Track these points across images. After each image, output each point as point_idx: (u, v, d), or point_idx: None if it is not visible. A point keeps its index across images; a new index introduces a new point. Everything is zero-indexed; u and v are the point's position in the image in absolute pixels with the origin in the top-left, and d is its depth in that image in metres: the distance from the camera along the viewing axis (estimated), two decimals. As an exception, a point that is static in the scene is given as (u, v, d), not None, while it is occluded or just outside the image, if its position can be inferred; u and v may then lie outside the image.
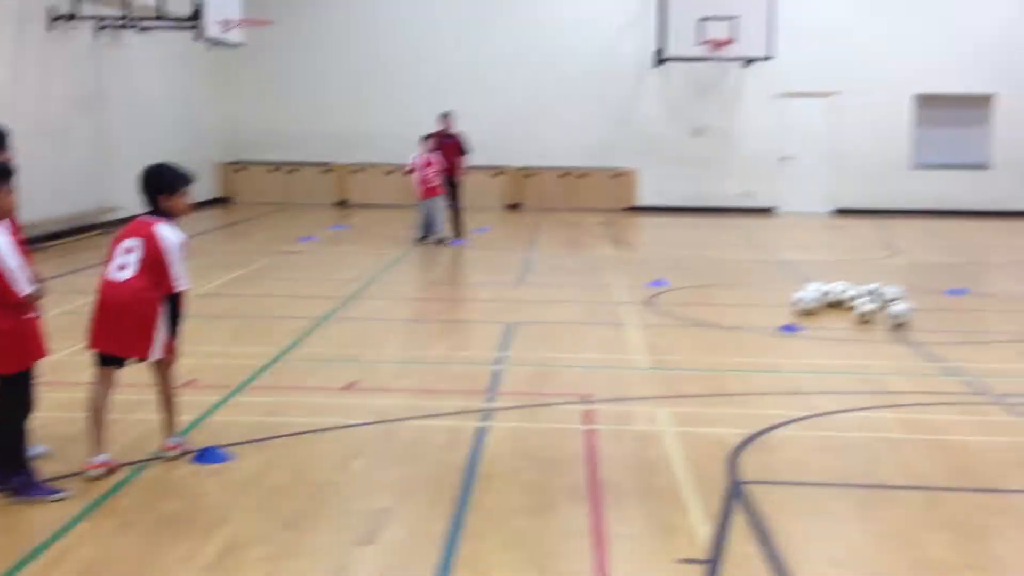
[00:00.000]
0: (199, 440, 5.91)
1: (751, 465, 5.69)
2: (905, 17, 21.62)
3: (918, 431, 6.41)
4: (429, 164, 15.68)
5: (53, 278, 9.66)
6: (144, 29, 17.17)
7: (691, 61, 20.79)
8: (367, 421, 6.50)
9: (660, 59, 20.87)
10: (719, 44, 20.15)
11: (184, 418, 5.96)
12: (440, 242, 15.67)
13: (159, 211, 5.57)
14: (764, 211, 22.09)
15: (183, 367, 6.11)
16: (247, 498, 5.18)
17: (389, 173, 21.29)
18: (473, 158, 17.05)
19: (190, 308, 5.87)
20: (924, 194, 21.93)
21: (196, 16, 16.50)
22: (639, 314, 10.34)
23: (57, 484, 5.17)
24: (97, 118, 16.92)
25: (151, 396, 5.76)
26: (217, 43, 17.55)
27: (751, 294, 11.86)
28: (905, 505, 5.16)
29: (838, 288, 10.56)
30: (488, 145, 20.81)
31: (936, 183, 22.01)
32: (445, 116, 16.41)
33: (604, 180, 22.30)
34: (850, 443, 6.18)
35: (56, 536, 4.65)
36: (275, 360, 8.09)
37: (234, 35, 17.78)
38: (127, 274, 5.44)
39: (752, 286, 12.42)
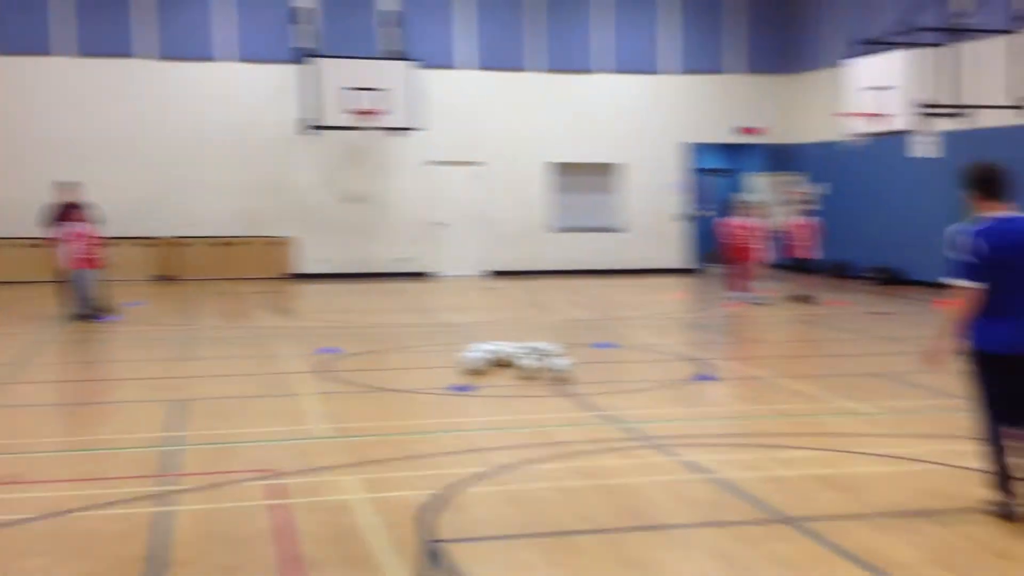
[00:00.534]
0: None
1: (443, 524, 5.88)
2: (540, 94, 23.41)
3: (589, 477, 6.90)
4: (79, 236, 14.81)
5: None
6: None
7: (342, 130, 21.14)
8: (35, 516, 6.02)
9: (311, 127, 21.05)
10: (367, 113, 20.64)
11: None
12: (92, 317, 14.77)
13: None
14: (423, 275, 22.78)
15: None
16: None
17: (32, 246, 19.74)
18: (121, 229, 16.33)
19: None
20: (564, 255, 23.67)
21: None
22: (314, 383, 10.33)
23: None
24: None
25: None
26: None
27: (420, 357, 12.20)
28: (588, 550, 5.54)
29: (502, 347, 11.13)
30: (136, 216, 20.00)
31: (574, 245, 23.83)
32: (68, 186, 15.56)
33: (260, 248, 22.05)
34: (531, 495, 6.54)
35: None
36: (-86, 458, 7.28)
37: None
38: None
39: (420, 349, 12.78)
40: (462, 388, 9.90)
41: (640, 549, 5.55)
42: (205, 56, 21.81)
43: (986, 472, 5.97)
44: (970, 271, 5.71)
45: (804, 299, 17.67)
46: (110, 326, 14.54)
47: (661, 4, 23.89)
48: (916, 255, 20.11)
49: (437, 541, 5.56)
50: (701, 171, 25.22)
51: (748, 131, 24.55)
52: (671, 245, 24.28)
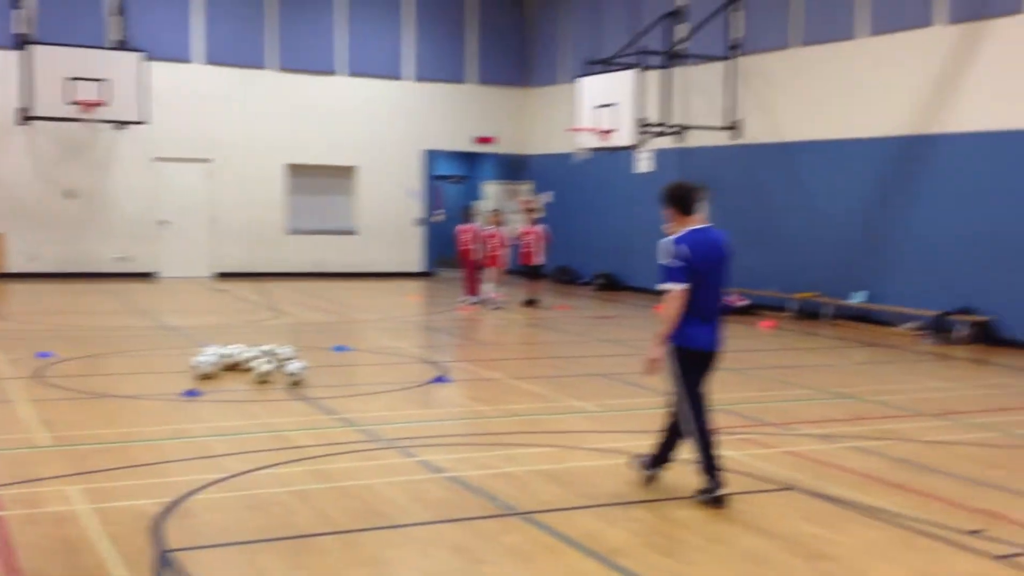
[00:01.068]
0: None
1: (176, 533, 5.71)
2: (278, 93, 23.00)
3: (327, 480, 6.90)
4: None
5: None
6: None
7: (60, 121, 19.87)
8: None
9: (25, 117, 19.65)
10: (89, 105, 19.52)
11: None
12: None
13: None
14: (145, 276, 21.79)
15: None
16: None
17: None
18: None
19: None
20: (299, 257, 23.37)
21: None
22: (27, 389, 9.70)
23: None
24: None
25: None
26: None
27: (145, 361, 11.70)
28: (327, 551, 5.56)
29: (234, 350, 10.88)
30: None
31: (310, 247, 23.57)
32: None
33: (-37, 245, 20.36)
34: (267, 499, 6.46)
35: None
36: None
37: None
38: None
39: (144, 353, 12.25)
40: (192, 393, 9.60)
41: (379, 547, 5.64)
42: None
43: (695, 462, 6.51)
44: (677, 274, 6.36)
45: (532, 303, 18.37)
46: None
47: (404, 11, 24.09)
48: (634, 263, 21.39)
49: (171, 551, 5.41)
50: (438, 177, 25.63)
51: (482, 140, 25.20)
52: (407, 249, 24.51)
